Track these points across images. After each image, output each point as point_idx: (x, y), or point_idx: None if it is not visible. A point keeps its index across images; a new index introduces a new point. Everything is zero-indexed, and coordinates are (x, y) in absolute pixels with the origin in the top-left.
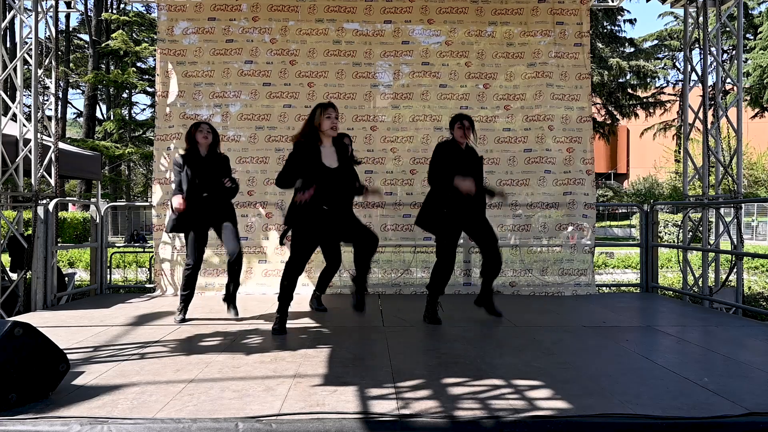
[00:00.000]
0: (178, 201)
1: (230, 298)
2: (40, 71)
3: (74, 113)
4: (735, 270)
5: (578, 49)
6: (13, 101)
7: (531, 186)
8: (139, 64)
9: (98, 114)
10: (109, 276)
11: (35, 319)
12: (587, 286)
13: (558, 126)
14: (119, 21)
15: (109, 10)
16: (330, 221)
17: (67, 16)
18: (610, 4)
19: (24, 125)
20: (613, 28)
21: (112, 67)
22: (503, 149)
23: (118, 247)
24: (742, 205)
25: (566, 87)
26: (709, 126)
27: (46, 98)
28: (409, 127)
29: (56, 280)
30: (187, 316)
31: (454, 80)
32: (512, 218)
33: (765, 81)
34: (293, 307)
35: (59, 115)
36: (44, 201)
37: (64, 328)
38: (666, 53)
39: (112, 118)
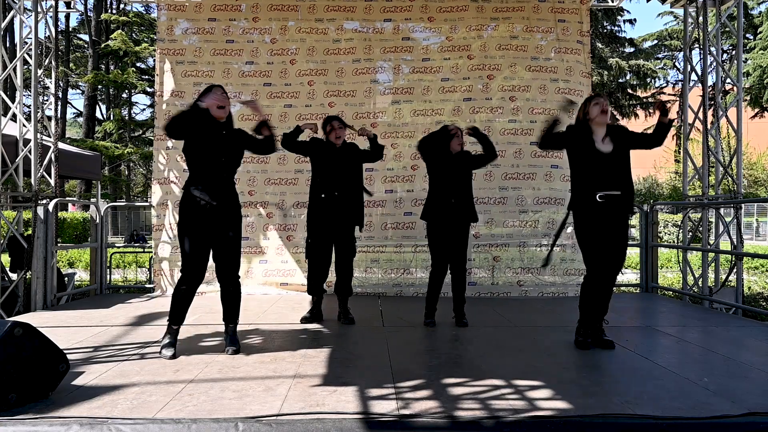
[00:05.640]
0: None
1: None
2: (40, 71)
3: (74, 113)
4: (735, 270)
5: (579, 47)
6: (13, 101)
7: (537, 180)
8: (138, 64)
9: (98, 114)
10: (108, 276)
11: (35, 319)
12: None
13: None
14: (119, 21)
15: (109, 11)
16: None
17: (67, 16)
18: (610, 4)
19: (24, 125)
20: (613, 28)
21: (111, 67)
22: (509, 141)
23: (118, 247)
24: (742, 205)
25: (571, 82)
26: (708, 126)
27: (45, 98)
28: (410, 122)
29: (56, 281)
30: (186, 316)
31: (456, 74)
32: (518, 214)
33: (765, 81)
34: (293, 309)
35: (59, 115)
36: (44, 201)
37: (64, 328)
38: (666, 53)
39: (111, 118)
